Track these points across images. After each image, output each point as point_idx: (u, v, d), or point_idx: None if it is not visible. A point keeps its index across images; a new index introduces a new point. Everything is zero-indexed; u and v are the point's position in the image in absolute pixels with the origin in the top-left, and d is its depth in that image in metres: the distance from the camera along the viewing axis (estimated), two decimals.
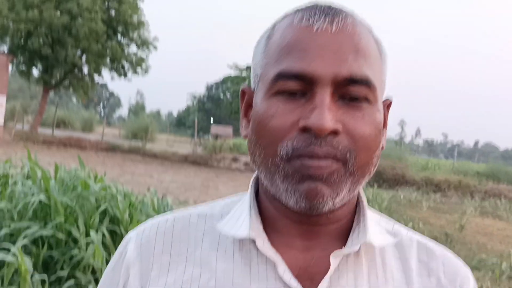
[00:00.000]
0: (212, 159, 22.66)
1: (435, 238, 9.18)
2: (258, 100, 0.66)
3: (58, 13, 24.90)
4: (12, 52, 25.10)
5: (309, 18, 0.64)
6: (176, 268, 0.68)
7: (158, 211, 4.84)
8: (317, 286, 0.64)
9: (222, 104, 62.26)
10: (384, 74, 0.68)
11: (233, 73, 44.43)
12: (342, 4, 0.68)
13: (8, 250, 3.59)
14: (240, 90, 0.74)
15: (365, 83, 0.62)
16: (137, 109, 78.94)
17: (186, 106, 79.20)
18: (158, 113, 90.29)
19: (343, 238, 0.69)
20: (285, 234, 0.68)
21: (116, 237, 4.35)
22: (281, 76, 0.62)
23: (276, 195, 0.65)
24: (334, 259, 0.64)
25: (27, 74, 27.46)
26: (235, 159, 22.68)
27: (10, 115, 26.43)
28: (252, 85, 0.70)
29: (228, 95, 59.68)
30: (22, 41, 25.30)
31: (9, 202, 4.24)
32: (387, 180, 19.15)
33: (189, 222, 0.73)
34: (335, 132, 0.61)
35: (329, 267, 0.64)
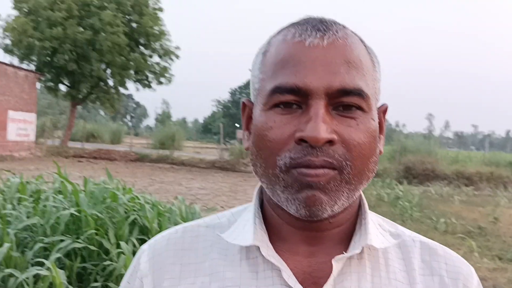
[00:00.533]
0: (239, 164, 22.73)
1: (469, 232, 9.03)
2: (257, 113, 0.69)
3: (81, 29, 25.39)
4: (39, 69, 25.71)
5: (301, 33, 0.67)
6: (186, 278, 0.71)
7: (186, 219, 4.90)
8: None
9: None
10: (378, 81, 0.71)
11: None
12: (334, 18, 0.70)
13: (43, 264, 3.69)
14: (241, 103, 0.77)
15: (358, 93, 0.65)
16: (164, 118, 79.67)
17: (211, 112, 79.66)
18: (184, 121, 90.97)
19: (346, 242, 0.71)
20: (289, 240, 0.71)
21: None
22: (277, 91, 0.65)
23: (278, 204, 0.68)
24: (336, 263, 0.67)
25: (54, 91, 28.06)
26: None
27: (41, 131, 27.02)
28: (252, 98, 0.74)
29: None
30: (48, 58, 25.87)
31: (41, 217, 4.35)
32: (417, 175, 18.89)
33: (198, 232, 0.76)
34: (330, 142, 0.63)
35: (332, 271, 0.66)
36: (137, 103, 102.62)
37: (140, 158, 24.25)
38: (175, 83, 29.83)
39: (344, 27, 0.69)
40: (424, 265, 0.73)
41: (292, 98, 0.65)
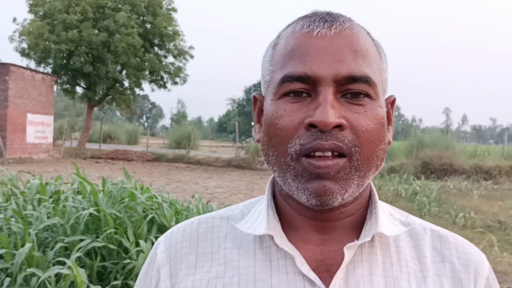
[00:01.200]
0: (255, 162, 22.76)
1: (489, 227, 8.93)
2: (268, 103, 0.71)
3: (96, 31, 25.63)
4: (56, 72, 26.02)
5: (309, 25, 0.69)
6: (202, 267, 0.74)
7: None
8: (334, 276, 0.67)
9: None
10: (385, 72, 0.72)
11: None
12: (340, 11, 0.73)
13: (64, 263, 3.74)
14: (252, 96, 0.79)
15: (365, 80, 0.66)
16: (179, 117, 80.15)
17: (226, 111, 79.87)
18: (199, 120, 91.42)
19: (357, 231, 0.72)
20: (301, 230, 0.72)
21: None
22: (286, 80, 0.67)
23: (289, 193, 0.70)
24: (348, 251, 0.68)
25: (71, 93, 28.36)
26: None
27: (59, 133, 27.36)
28: (262, 91, 0.76)
29: None
30: (64, 61, 26.17)
31: (61, 217, 4.41)
32: (435, 170, 18.70)
33: (212, 223, 0.79)
34: (340, 127, 0.65)
35: (344, 259, 0.68)
36: (153, 104, 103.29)
37: (157, 158, 24.42)
38: (190, 83, 29.99)
39: (350, 19, 0.71)
40: (435, 253, 0.74)
41: (301, 86, 0.67)
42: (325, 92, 0.65)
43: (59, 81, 26.38)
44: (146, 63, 27.01)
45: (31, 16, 26.10)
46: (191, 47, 28.62)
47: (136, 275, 3.93)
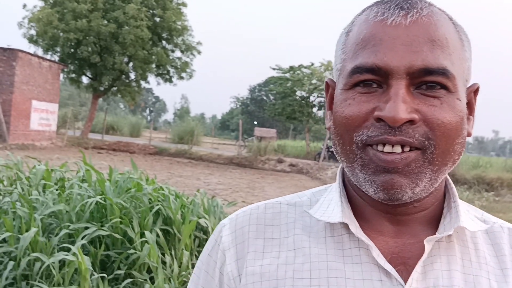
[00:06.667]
0: (257, 161, 22.74)
1: None
2: (338, 92, 0.69)
3: (106, 21, 25.64)
4: (63, 61, 26.03)
5: (384, 12, 0.66)
6: (270, 252, 0.71)
7: (208, 212, 4.92)
8: (411, 270, 0.65)
9: (266, 106, 62.27)
10: (467, 61, 0.69)
11: (275, 74, 43.90)
12: None
13: (68, 250, 3.73)
14: (325, 82, 0.77)
15: (442, 72, 0.63)
16: (182, 113, 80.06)
17: (230, 109, 79.90)
18: (202, 116, 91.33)
19: (432, 225, 0.70)
20: (374, 221, 0.70)
21: (169, 237, 4.44)
22: (356, 71, 0.65)
23: (357, 184, 0.68)
24: (428, 244, 0.65)
25: (77, 82, 28.39)
26: (280, 161, 22.70)
27: (62, 122, 27.36)
28: (334, 78, 0.74)
29: (271, 97, 59.51)
30: (72, 50, 26.17)
31: (67, 204, 4.40)
32: None
33: (280, 209, 0.76)
34: (411, 122, 0.62)
35: (421, 252, 0.66)
36: (157, 98, 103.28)
37: (159, 152, 24.44)
38: (194, 79, 30.03)
39: (430, 4, 0.67)
40: None
41: (372, 77, 0.64)
42: (396, 86, 0.62)
43: (65, 69, 26.38)
44: (153, 57, 27.02)
45: (41, 3, 26.11)
46: (199, 43, 28.64)
47: (140, 266, 3.92)
